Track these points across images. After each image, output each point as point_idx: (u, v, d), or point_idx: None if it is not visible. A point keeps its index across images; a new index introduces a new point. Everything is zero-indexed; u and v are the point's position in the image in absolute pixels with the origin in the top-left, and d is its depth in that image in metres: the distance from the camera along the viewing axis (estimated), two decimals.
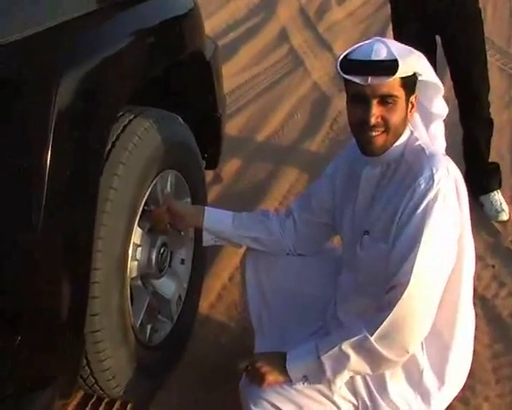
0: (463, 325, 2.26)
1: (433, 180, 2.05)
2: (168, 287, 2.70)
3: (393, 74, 2.03)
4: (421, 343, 2.20)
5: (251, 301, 2.60)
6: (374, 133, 2.11)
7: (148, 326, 2.57)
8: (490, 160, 4.00)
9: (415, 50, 2.13)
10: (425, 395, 2.24)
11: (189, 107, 2.81)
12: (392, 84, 2.06)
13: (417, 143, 2.18)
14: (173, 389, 2.69)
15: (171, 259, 2.75)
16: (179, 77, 2.70)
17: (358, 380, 2.22)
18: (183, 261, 2.84)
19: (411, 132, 2.20)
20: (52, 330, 1.96)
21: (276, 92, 5.92)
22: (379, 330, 2.03)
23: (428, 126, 2.29)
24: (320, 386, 2.19)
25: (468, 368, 2.35)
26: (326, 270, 2.53)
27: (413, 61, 2.10)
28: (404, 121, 2.15)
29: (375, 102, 2.07)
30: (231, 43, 6.93)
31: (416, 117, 2.26)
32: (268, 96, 5.84)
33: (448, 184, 2.08)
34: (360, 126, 2.13)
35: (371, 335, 2.04)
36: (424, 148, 2.15)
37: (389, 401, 2.22)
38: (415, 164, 2.12)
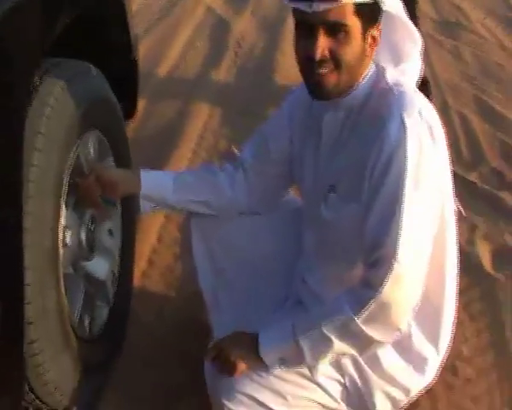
0: (451, 285, 2.00)
1: (405, 128, 1.74)
2: (101, 266, 2.32)
3: None
4: None
5: (202, 276, 2.25)
6: (322, 70, 1.76)
7: (87, 317, 2.19)
8: None
9: None
10: (418, 364, 1.99)
11: (102, 53, 2.38)
12: (343, 10, 1.71)
13: (384, 81, 1.85)
14: (119, 384, 2.32)
15: (98, 233, 2.36)
16: (90, 19, 2.26)
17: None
18: (110, 232, 2.44)
19: (377, 69, 1.87)
20: None
21: (169, 22, 5.48)
22: (366, 311, 1.75)
23: (397, 65, 1.92)
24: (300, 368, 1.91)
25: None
26: (286, 227, 2.22)
27: None
28: (362, 58, 1.80)
29: (321, 32, 1.73)
30: None
31: (383, 53, 1.90)
32: (162, 26, 5.40)
33: (422, 131, 1.77)
34: (306, 63, 1.79)
35: (357, 316, 1.76)
36: (392, 87, 1.83)
37: (382, 373, 1.96)
38: (382, 107, 1.80)
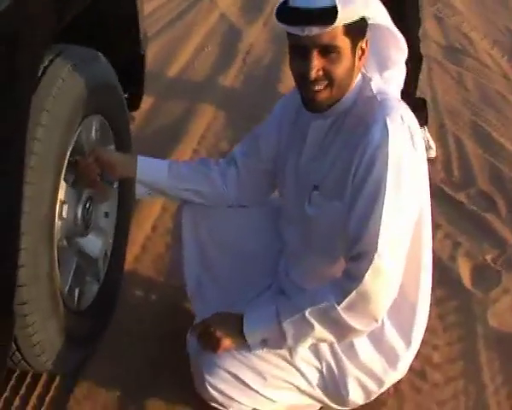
0: (426, 284, 2.13)
1: (388, 131, 1.87)
2: (94, 244, 2.44)
3: (331, 24, 1.81)
4: None
5: (188, 264, 2.37)
6: (316, 87, 1.90)
7: (77, 290, 2.31)
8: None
9: None
10: (391, 357, 2.11)
11: (111, 44, 2.51)
12: (334, 33, 1.84)
13: (369, 89, 1.98)
14: (105, 356, 2.44)
15: (95, 213, 2.48)
16: (101, 10, 2.39)
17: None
18: (106, 214, 2.57)
19: (363, 78, 2.00)
20: None
21: (182, 24, 5.61)
22: (347, 300, 1.87)
23: (383, 72, 2.08)
24: (281, 350, 2.03)
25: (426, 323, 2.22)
26: (271, 223, 2.33)
27: (358, 6, 1.86)
28: (352, 71, 1.94)
29: (315, 53, 1.87)
30: None
31: (369, 61, 2.04)
32: (175, 28, 5.55)
33: (404, 135, 1.90)
34: (301, 80, 1.93)
35: (338, 304, 1.88)
36: (376, 94, 1.96)
37: (358, 362, 2.08)
38: (366, 113, 1.93)
